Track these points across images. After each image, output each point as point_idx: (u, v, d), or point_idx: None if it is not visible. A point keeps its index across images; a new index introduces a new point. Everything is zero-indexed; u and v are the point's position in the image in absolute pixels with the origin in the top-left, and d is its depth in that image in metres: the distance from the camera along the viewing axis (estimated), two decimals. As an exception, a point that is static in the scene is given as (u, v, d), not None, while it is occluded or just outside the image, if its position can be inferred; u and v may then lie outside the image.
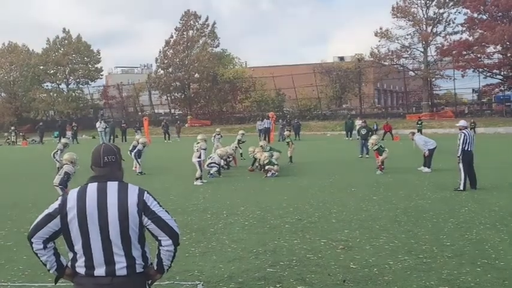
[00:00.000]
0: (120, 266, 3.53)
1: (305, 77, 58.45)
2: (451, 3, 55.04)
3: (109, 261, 3.52)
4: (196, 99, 65.23)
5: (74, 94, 69.04)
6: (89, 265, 3.53)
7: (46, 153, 23.24)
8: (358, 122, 43.73)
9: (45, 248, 3.57)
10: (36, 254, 3.60)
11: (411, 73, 61.38)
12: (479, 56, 53.35)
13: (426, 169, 19.06)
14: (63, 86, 70.21)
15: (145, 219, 3.58)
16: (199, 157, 17.58)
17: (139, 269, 3.60)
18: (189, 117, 57.63)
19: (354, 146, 30.08)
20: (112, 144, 3.88)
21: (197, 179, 17.18)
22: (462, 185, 14.51)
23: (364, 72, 61.20)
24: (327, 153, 28.03)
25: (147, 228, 3.61)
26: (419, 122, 42.34)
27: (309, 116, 57.61)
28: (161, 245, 3.62)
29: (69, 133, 50.52)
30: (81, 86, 70.51)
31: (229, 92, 63.46)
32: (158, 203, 3.68)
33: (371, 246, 8.52)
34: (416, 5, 56.37)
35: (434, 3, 55.78)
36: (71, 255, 3.61)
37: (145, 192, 3.66)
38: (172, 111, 68.16)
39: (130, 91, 70.39)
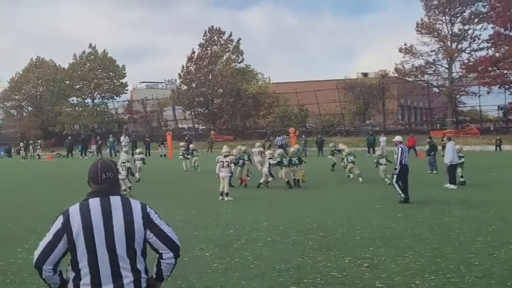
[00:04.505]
0: (128, 280, 3.49)
1: (328, 93, 58.33)
2: (476, 20, 54.66)
3: (116, 276, 3.47)
4: (219, 114, 65.39)
5: (99, 109, 69.73)
6: (96, 282, 3.45)
7: (74, 167, 23.41)
8: (381, 139, 43.54)
9: (55, 272, 3.53)
10: (45, 280, 3.55)
11: (435, 89, 60.88)
12: (505, 72, 52.75)
13: (451, 186, 18.80)
14: (88, 100, 71.08)
15: (147, 232, 3.59)
16: (231, 172, 17.46)
17: (143, 282, 3.59)
18: (212, 132, 57.80)
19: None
20: (109, 159, 3.83)
21: (227, 194, 16.97)
22: (401, 193, 15.36)
23: (388, 88, 60.91)
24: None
25: (149, 242, 3.62)
26: (444, 139, 41.77)
27: (332, 132, 57.39)
28: (162, 258, 3.64)
29: (93, 147, 51.04)
30: (106, 100, 71.31)
31: (253, 108, 63.50)
32: (159, 216, 3.70)
33: (396, 265, 8.35)
34: (441, 22, 56.14)
35: (459, 19, 55.49)
36: (72, 274, 3.51)
37: (147, 206, 3.68)
38: (196, 126, 68.46)
39: (155, 106, 70.87)
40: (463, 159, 20.12)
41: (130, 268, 3.51)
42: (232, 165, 17.58)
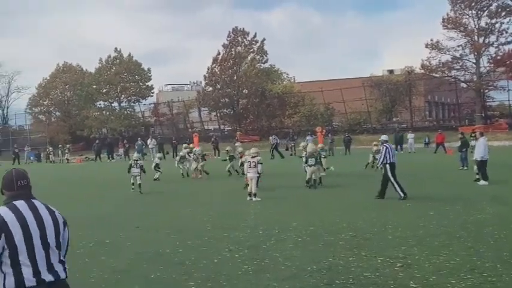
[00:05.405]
0: (60, 271, 3.87)
1: (354, 91, 57.94)
2: (504, 13, 53.74)
3: (50, 267, 3.82)
4: (245, 114, 65.34)
5: (125, 112, 70.22)
6: (36, 272, 3.74)
7: (103, 171, 23.64)
8: (409, 135, 43.15)
9: None
10: None
11: (463, 85, 60.03)
12: (535, 65, 51.79)
13: (483, 182, 18.46)
14: (115, 104, 71.63)
15: (64, 232, 4.00)
16: (258, 172, 17.34)
17: (67, 271, 3.97)
18: (238, 132, 57.79)
19: (404, 159, 29.53)
20: (21, 169, 4.13)
21: (255, 195, 16.79)
22: (400, 193, 15.39)
23: (415, 84, 60.24)
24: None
25: None
26: (473, 135, 41.15)
27: (359, 130, 56.96)
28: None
29: (121, 150, 51.45)
30: (132, 104, 71.68)
31: (278, 107, 63.34)
32: None
33: (431, 264, 8.17)
34: (467, 16, 55.29)
35: (485, 13, 54.59)
36: (9, 270, 3.71)
37: None
38: (222, 127, 68.54)
39: (181, 108, 71.08)
40: None
41: (58, 260, 3.89)
42: (259, 165, 17.44)
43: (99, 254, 9.79)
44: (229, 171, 25.08)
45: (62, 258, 3.94)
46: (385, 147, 16.10)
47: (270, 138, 45.00)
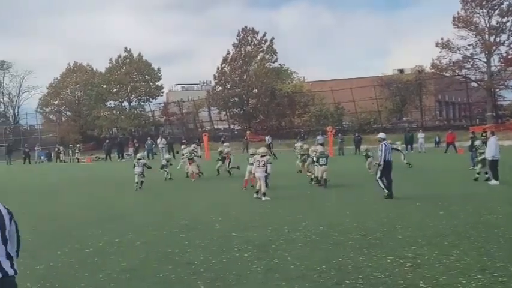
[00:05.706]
0: (7, 267, 3.86)
1: (364, 90, 57.79)
2: (515, 12, 53.42)
3: None
4: (255, 114, 65.36)
5: (136, 112, 70.40)
6: None
7: (112, 170, 23.72)
8: (420, 135, 43.00)
9: None
10: None
11: (474, 84, 59.70)
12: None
13: (494, 181, 18.34)
14: (125, 103, 71.84)
15: (11, 227, 4.02)
16: (266, 171, 17.30)
17: (15, 266, 3.96)
18: (247, 132, 57.79)
19: (414, 159, 29.46)
20: None
21: (264, 194, 16.75)
22: (385, 190, 15.82)
23: (425, 84, 60.00)
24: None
25: None
26: (484, 134, 40.86)
27: (369, 130, 56.74)
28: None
29: (131, 149, 51.62)
30: (142, 103, 71.90)
31: (288, 107, 63.32)
32: None
33: (441, 264, 8.11)
34: (478, 15, 54.97)
35: (496, 12, 54.27)
36: None
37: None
38: (232, 126, 68.59)
39: (190, 107, 71.20)
40: (483, 156, 19.56)
41: (5, 255, 3.88)
42: (269, 165, 17.40)
43: (109, 253, 9.81)
44: (229, 171, 25.05)
45: (10, 252, 3.91)
46: (383, 145, 16.20)
47: (266, 138, 45.07)
